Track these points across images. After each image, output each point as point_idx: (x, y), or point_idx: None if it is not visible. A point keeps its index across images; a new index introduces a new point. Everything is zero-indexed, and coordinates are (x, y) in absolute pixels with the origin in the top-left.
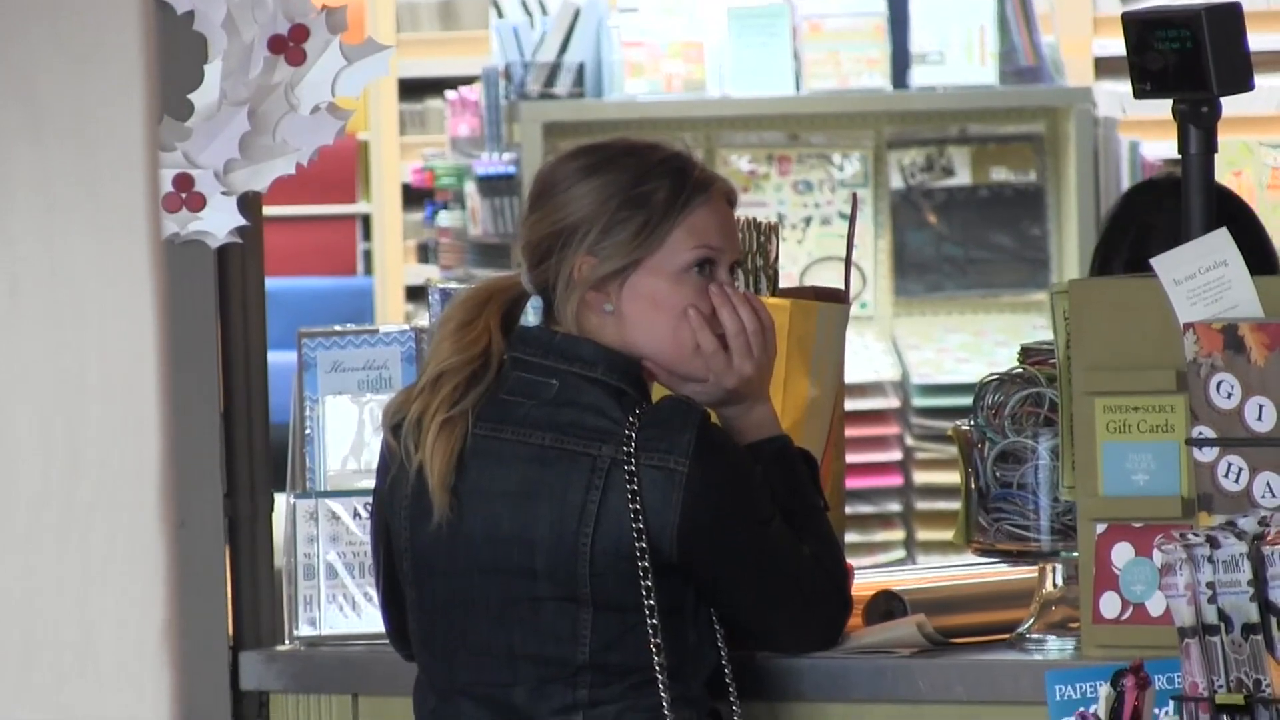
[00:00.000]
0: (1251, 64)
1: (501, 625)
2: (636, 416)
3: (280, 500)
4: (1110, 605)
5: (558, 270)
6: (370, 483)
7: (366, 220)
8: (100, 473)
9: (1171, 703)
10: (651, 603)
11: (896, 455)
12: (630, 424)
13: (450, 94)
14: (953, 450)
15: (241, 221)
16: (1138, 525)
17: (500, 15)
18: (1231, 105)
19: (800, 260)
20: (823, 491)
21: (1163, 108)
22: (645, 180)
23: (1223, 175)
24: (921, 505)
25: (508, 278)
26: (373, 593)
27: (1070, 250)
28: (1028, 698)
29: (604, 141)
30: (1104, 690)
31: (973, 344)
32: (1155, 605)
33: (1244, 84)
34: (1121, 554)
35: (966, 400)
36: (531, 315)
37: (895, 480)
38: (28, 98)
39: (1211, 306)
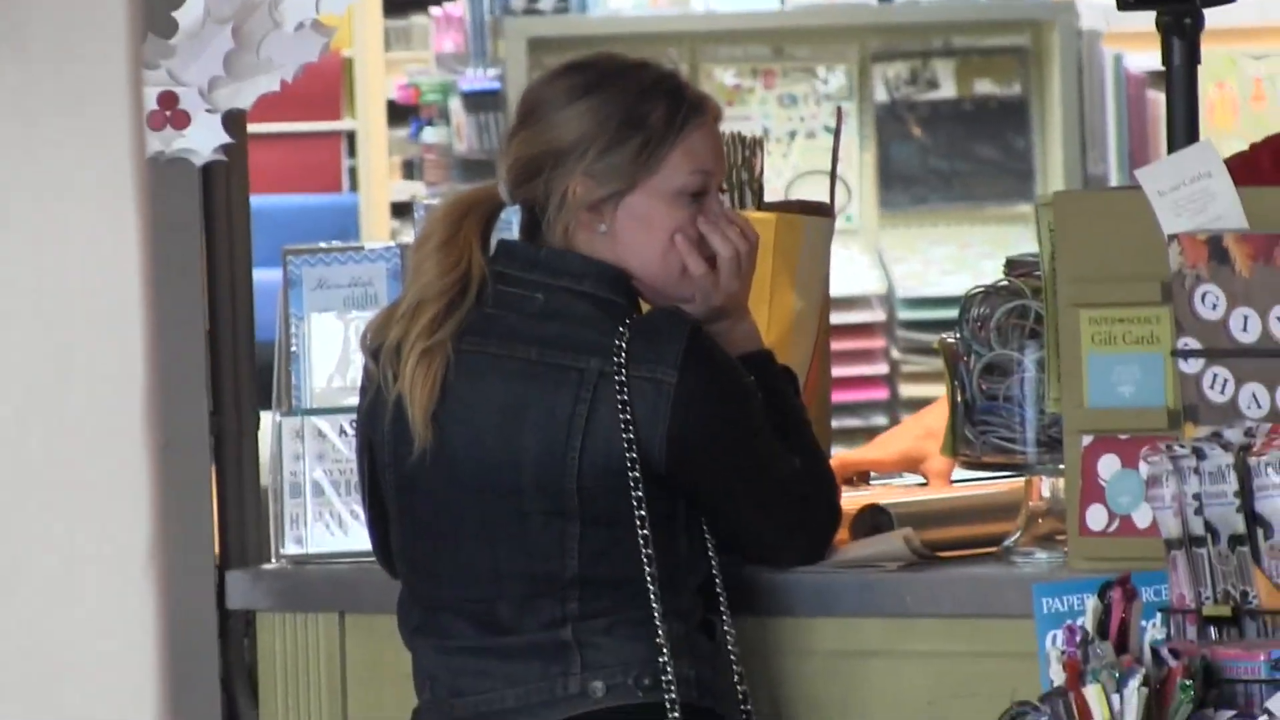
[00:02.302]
0: None
1: (486, 540)
2: (626, 327)
3: (266, 418)
4: (1097, 518)
5: (548, 189)
6: (356, 400)
7: (351, 137)
8: (85, 392)
9: (1159, 615)
10: (643, 513)
11: (882, 368)
12: (620, 334)
13: (435, 10)
14: (938, 363)
15: (226, 139)
16: (1124, 437)
17: None
18: (1215, 16)
19: (785, 174)
20: (805, 406)
21: (1146, 19)
22: (642, 101)
23: (1206, 87)
24: (908, 419)
25: (484, 189)
26: (359, 510)
27: (1055, 162)
28: (1015, 611)
29: (593, 59)
30: (1091, 603)
31: (958, 256)
32: (1142, 517)
33: None
34: (1107, 466)
35: (952, 313)
36: (515, 229)
37: (881, 394)
38: (9, 15)
39: (1196, 218)
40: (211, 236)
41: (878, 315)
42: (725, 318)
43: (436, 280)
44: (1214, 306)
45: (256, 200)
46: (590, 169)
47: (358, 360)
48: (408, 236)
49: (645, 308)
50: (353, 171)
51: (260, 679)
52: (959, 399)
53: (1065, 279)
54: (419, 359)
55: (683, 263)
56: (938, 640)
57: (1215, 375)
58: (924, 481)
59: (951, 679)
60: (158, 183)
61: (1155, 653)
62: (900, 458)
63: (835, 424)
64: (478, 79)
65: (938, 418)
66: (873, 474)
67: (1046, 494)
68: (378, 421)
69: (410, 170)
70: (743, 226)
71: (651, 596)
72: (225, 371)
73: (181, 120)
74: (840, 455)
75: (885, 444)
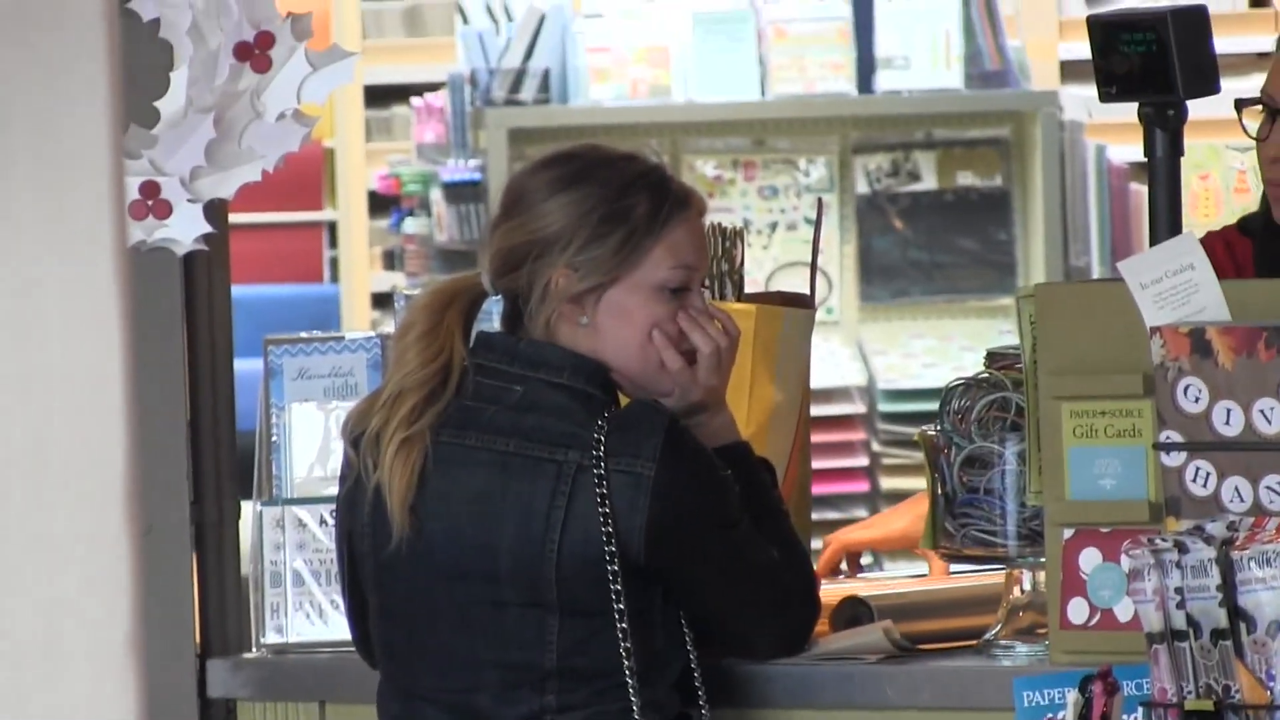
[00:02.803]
0: (1218, 67)
1: (465, 631)
2: (605, 420)
3: (247, 508)
4: (1078, 611)
5: (531, 280)
6: (336, 489)
7: (332, 227)
8: (66, 480)
9: (1140, 709)
10: (621, 606)
11: (863, 461)
12: (599, 428)
13: (416, 101)
14: (919, 455)
15: (207, 229)
16: (1105, 530)
17: (465, 22)
18: (1198, 108)
19: (766, 266)
20: (783, 498)
21: (1129, 111)
22: (626, 194)
23: (1189, 178)
24: (906, 500)
25: (467, 278)
26: (339, 600)
27: (1036, 254)
28: (995, 704)
29: (579, 150)
30: (1072, 696)
31: (939, 349)
32: (1123, 611)
33: (1210, 87)
34: (1089, 559)
35: (933, 405)
36: (495, 318)
37: (861, 486)
38: None
39: (1179, 310)
40: (193, 326)
41: (858, 407)
42: (703, 411)
43: (418, 370)
44: (1196, 399)
45: (238, 290)
46: (572, 261)
47: (338, 450)
48: (388, 327)
49: (624, 400)
50: (334, 262)
51: None
52: (939, 491)
53: (1046, 371)
54: (398, 448)
55: (661, 357)
56: None
57: (1197, 468)
58: (924, 572)
59: None
60: (139, 272)
61: None
62: (900, 536)
63: (815, 516)
64: (459, 169)
65: None
66: (864, 557)
67: (1027, 587)
68: (357, 510)
69: (391, 260)
70: (724, 322)
71: (630, 689)
72: (206, 461)
73: (163, 210)
74: (839, 536)
75: (884, 523)
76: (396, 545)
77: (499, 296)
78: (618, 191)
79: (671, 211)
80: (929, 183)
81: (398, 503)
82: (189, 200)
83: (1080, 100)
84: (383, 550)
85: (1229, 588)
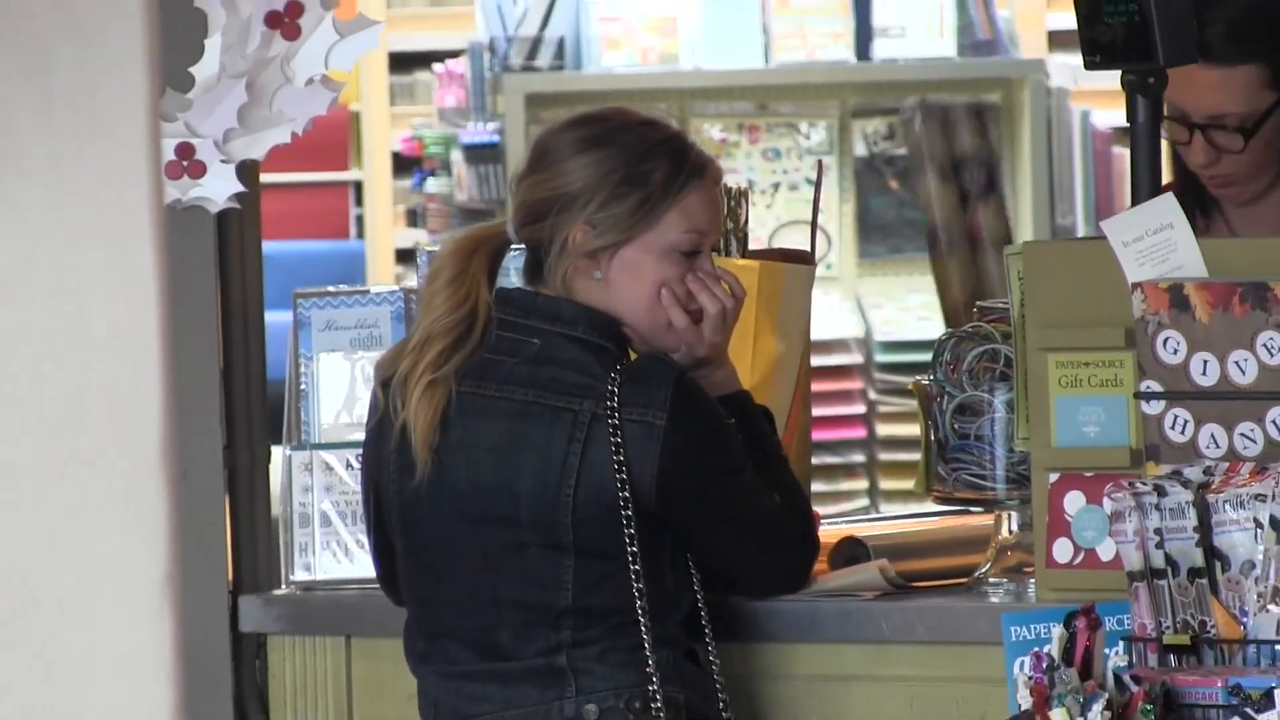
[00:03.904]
0: (1198, 36)
1: (486, 572)
2: (618, 372)
3: (277, 452)
4: (1063, 551)
5: (552, 234)
6: (362, 435)
7: (358, 187)
8: (105, 426)
9: (1121, 643)
10: (634, 549)
11: (860, 409)
12: (612, 379)
13: (438, 67)
14: (913, 404)
15: (240, 188)
16: (1089, 475)
17: None
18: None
19: (769, 224)
20: (784, 443)
21: (1112, 78)
22: (646, 159)
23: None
24: (884, 456)
25: (493, 226)
26: (364, 539)
27: (1024, 214)
28: (985, 638)
29: (606, 112)
30: (1057, 631)
31: (933, 303)
32: (1106, 551)
33: (1189, 55)
34: (1073, 502)
35: (926, 356)
36: (513, 273)
37: (859, 432)
38: (37, 73)
39: (1159, 267)
40: (225, 280)
41: (856, 358)
42: (707, 365)
43: (445, 316)
44: (1175, 351)
45: (268, 246)
46: (591, 218)
47: (364, 397)
48: (411, 281)
49: (634, 355)
50: (359, 219)
51: (271, 699)
52: (932, 438)
53: (1034, 324)
54: (424, 390)
55: (668, 316)
56: (912, 666)
57: (1176, 416)
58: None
59: (925, 703)
60: (175, 229)
61: (1118, 679)
62: None
63: (814, 461)
64: (478, 132)
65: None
66: None
67: (1015, 528)
68: (383, 455)
69: (414, 218)
70: (731, 284)
71: (642, 627)
72: (238, 408)
73: (198, 170)
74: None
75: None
76: (418, 484)
77: (522, 246)
78: (639, 155)
79: (688, 178)
80: None
81: (421, 441)
82: (222, 161)
83: (1066, 68)
84: (406, 489)
85: (1205, 529)
